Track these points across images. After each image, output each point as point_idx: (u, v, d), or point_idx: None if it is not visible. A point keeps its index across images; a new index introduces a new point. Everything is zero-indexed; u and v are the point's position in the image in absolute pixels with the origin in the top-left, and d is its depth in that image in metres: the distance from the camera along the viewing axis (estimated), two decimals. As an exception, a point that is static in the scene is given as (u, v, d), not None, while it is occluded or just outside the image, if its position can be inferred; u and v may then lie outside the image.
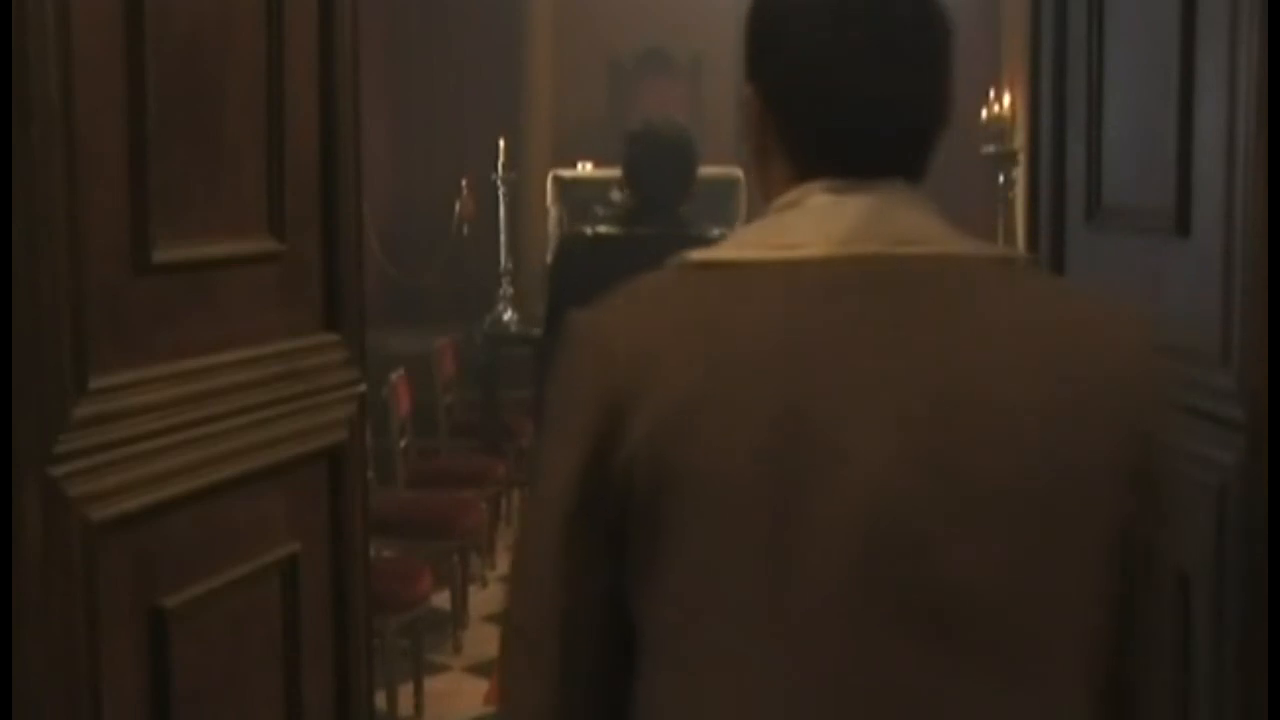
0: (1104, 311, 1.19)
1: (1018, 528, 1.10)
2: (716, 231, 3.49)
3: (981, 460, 1.09)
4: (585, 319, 1.20)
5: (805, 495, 1.08)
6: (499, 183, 7.30)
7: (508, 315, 7.15)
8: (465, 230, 7.98)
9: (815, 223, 1.16)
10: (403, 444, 5.50)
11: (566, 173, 8.16)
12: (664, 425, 1.10)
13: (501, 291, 7.21)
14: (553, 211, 8.12)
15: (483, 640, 5.15)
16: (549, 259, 8.15)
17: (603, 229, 3.66)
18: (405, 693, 4.42)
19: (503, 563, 6.07)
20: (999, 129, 4.01)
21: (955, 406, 1.09)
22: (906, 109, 1.18)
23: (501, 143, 7.31)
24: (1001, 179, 4.02)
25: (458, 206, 7.91)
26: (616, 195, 7.44)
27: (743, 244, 1.26)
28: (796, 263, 1.15)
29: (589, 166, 8.15)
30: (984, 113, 4.10)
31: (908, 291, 1.13)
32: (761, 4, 1.23)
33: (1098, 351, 1.13)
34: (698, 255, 1.21)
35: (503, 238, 7.34)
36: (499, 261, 7.29)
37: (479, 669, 4.90)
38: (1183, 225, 1.82)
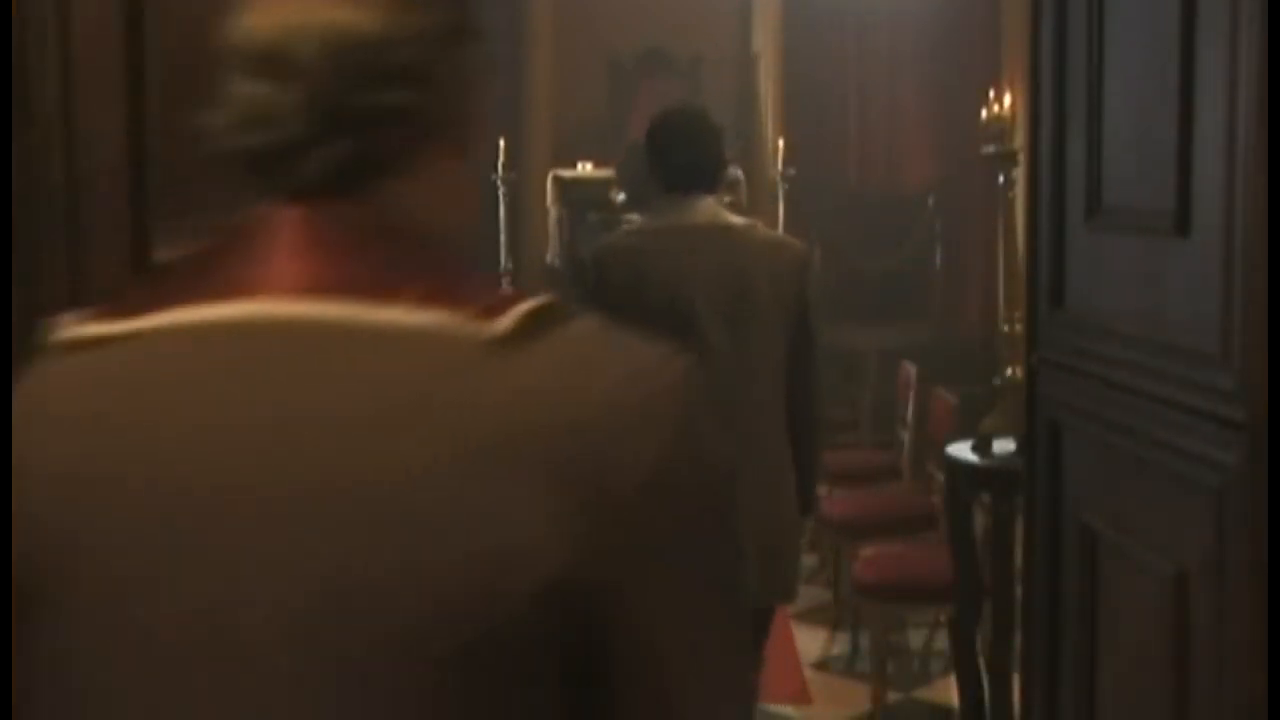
0: (777, 235, 3.69)
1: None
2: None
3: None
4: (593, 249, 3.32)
5: None
6: (499, 183, 7.29)
7: (508, 315, 7.14)
8: (465, 230, 7.98)
9: (671, 212, 3.13)
10: (403, 444, 5.48)
11: (566, 173, 8.16)
12: None
13: (501, 292, 7.21)
14: (553, 211, 8.13)
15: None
16: (549, 255, 8.18)
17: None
18: (405, 693, 4.42)
19: (503, 563, 6.06)
20: (999, 129, 4.00)
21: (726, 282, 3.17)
22: (708, 166, 3.14)
23: (501, 143, 7.30)
24: (1001, 179, 4.02)
25: (458, 206, 7.90)
26: (617, 196, 7.47)
27: (651, 219, 3.24)
28: (661, 227, 3.14)
29: (589, 166, 8.15)
30: (984, 113, 4.10)
31: (695, 232, 3.09)
32: (654, 136, 3.16)
33: (781, 252, 3.18)
34: (628, 228, 3.64)
35: (503, 238, 7.33)
36: (499, 261, 7.29)
37: (479, 669, 4.90)
38: (1183, 225, 1.82)
